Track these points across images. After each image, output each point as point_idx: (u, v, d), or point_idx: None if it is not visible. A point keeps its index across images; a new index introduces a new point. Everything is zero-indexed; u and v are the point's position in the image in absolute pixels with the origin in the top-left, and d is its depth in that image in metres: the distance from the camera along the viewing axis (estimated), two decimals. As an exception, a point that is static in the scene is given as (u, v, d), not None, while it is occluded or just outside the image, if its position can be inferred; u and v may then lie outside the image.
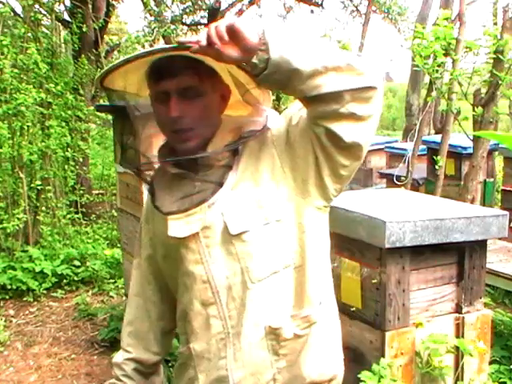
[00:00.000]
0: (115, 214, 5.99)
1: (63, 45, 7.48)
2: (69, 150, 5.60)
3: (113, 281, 4.97)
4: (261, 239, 1.30)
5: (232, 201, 1.31)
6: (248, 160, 1.33)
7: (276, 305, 1.32)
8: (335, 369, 1.42)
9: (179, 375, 1.48)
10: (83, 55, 6.62)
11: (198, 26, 11.82)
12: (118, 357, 1.55)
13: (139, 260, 1.54)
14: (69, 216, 5.79)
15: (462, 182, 4.61)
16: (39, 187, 5.28)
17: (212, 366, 1.36)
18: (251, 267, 1.30)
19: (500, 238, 3.71)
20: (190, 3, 10.34)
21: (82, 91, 6.38)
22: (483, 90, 4.07)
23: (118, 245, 5.09)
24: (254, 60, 1.12)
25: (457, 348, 2.25)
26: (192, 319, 1.37)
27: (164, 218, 1.34)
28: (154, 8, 9.35)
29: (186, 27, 11.83)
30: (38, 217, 5.38)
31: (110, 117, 5.21)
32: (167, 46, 1.20)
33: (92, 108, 6.07)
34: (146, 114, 1.36)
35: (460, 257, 2.32)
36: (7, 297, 4.66)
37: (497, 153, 6.63)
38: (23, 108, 4.94)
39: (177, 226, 1.32)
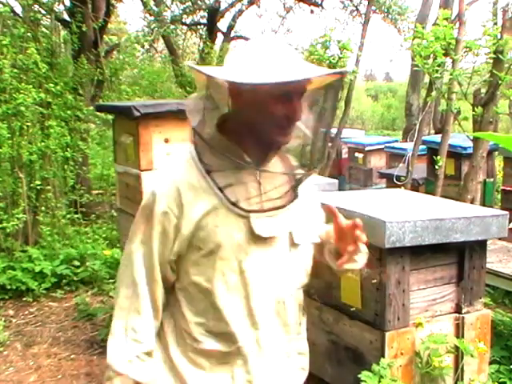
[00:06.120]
0: (115, 214, 5.98)
1: (63, 45, 7.46)
2: (68, 149, 5.59)
3: (112, 281, 4.95)
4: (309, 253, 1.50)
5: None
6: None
7: None
8: None
9: None
10: (83, 55, 6.62)
11: (198, 26, 11.82)
12: None
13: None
14: (68, 216, 5.77)
15: (462, 182, 4.61)
16: (39, 187, 5.27)
17: None
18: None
19: (500, 238, 3.71)
20: (189, 3, 10.34)
21: (81, 91, 6.38)
22: (483, 90, 4.07)
23: (118, 245, 5.08)
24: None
25: (457, 348, 2.25)
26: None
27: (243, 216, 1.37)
28: (154, 8, 9.37)
29: (185, 27, 11.83)
30: (37, 217, 5.37)
31: (110, 117, 5.19)
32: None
33: (92, 108, 6.06)
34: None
35: (460, 257, 2.32)
36: (7, 297, 4.66)
37: (497, 153, 6.62)
38: (23, 108, 4.93)
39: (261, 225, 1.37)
